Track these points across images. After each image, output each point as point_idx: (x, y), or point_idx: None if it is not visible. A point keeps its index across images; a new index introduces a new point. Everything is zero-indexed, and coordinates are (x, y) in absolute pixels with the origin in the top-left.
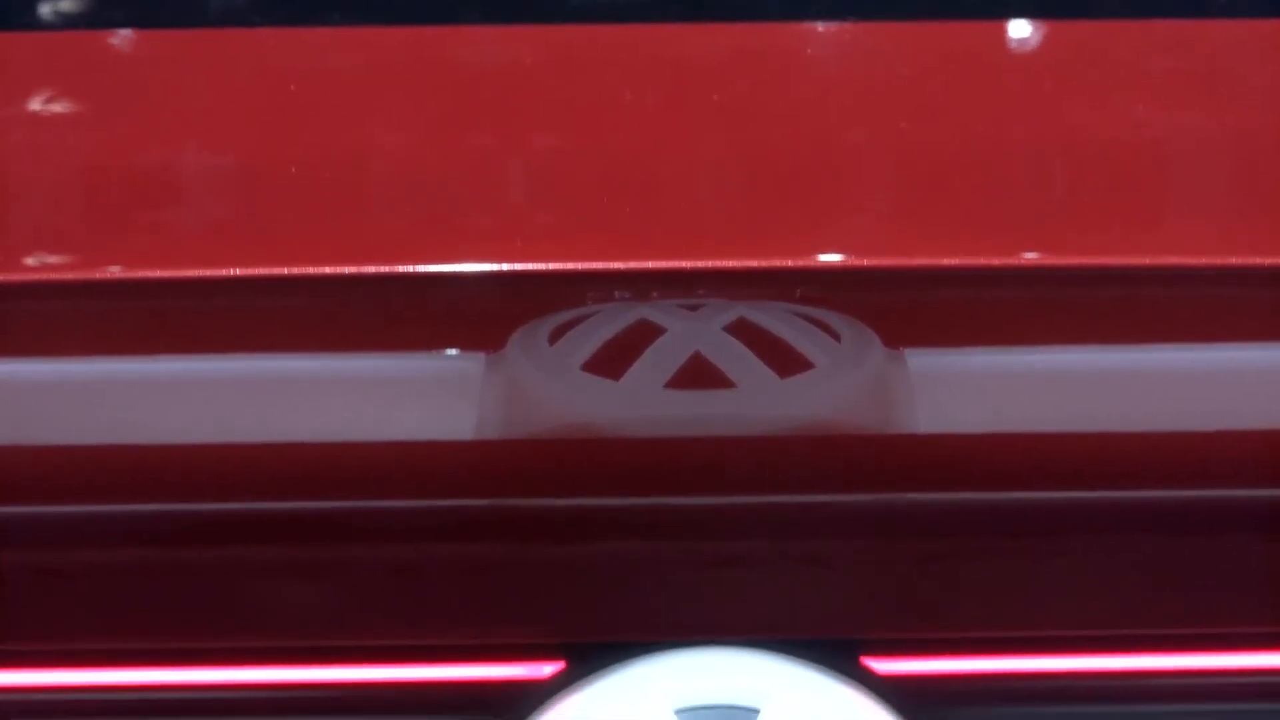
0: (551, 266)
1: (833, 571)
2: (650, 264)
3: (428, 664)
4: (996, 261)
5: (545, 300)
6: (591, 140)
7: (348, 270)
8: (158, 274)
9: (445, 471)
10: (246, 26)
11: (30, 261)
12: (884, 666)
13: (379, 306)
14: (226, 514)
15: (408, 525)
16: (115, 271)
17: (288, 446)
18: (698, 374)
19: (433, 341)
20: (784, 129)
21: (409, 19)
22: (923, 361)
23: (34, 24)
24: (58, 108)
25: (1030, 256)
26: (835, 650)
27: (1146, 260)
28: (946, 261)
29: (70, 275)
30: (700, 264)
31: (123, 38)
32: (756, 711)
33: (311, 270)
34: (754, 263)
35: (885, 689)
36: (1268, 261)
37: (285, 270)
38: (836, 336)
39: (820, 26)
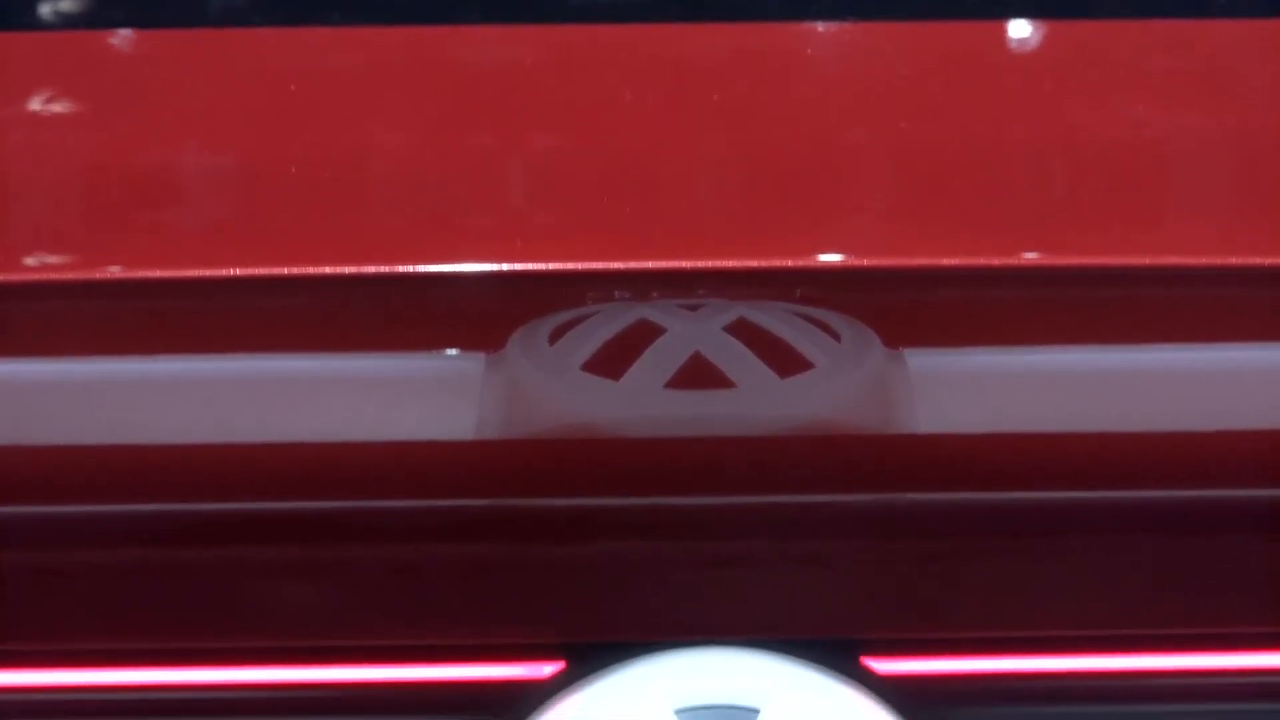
0: (551, 266)
1: (833, 572)
2: (650, 264)
3: (428, 664)
4: (996, 261)
5: (545, 300)
6: (591, 140)
7: (348, 270)
8: (157, 274)
9: (445, 471)
10: (246, 26)
11: (30, 261)
12: (884, 666)
13: (379, 306)
14: (226, 514)
15: (408, 525)
16: (115, 271)
17: (288, 446)
18: (698, 374)
19: (433, 341)
20: (784, 129)
21: (409, 19)
22: (922, 361)
23: (34, 24)
24: (58, 108)
25: (1030, 256)
26: (835, 650)
27: (1146, 260)
28: (946, 261)
29: (70, 275)
30: (700, 264)
31: (122, 38)
32: (756, 711)
33: (311, 270)
34: (754, 263)
35: (885, 689)
36: (1268, 261)
37: (285, 270)
38: (836, 336)
39: (820, 26)
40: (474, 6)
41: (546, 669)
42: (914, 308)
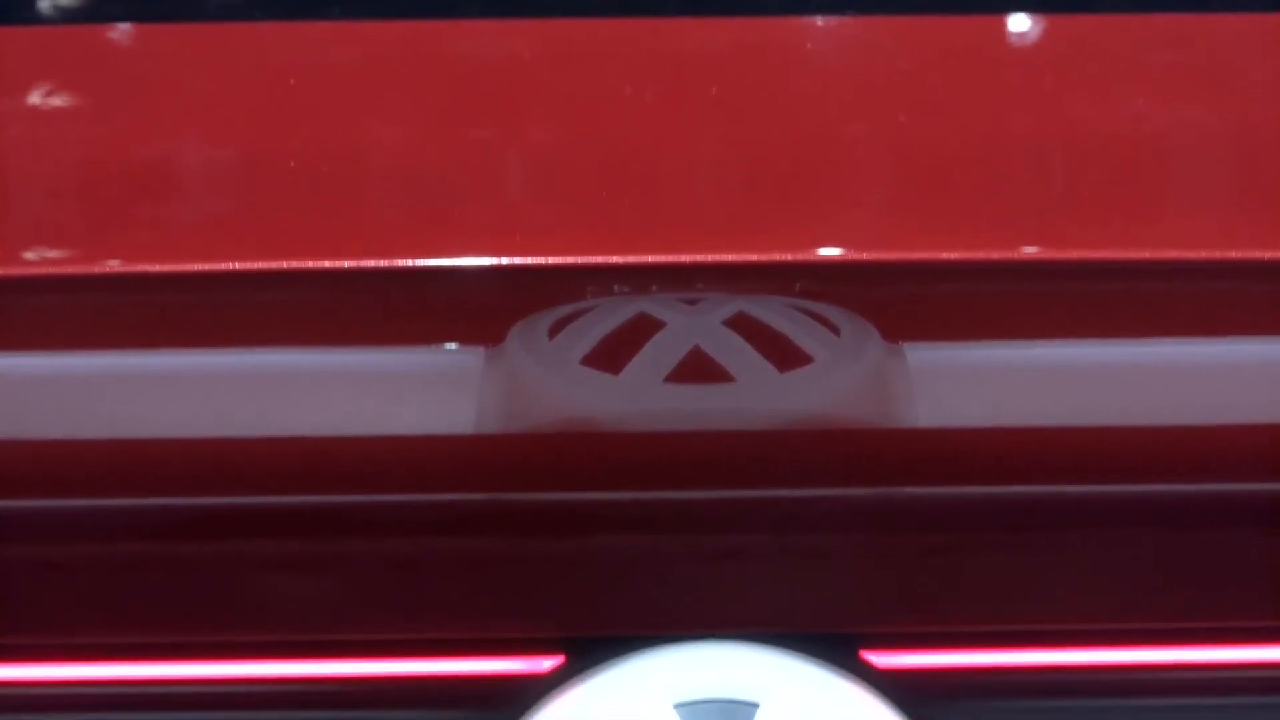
0: (551, 260)
1: (832, 566)
2: (650, 258)
3: (428, 658)
4: (996, 255)
5: (545, 294)
6: (591, 134)
7: (347, 264)
8: (157, 268)
9: (444, 466)
10: (245, 21)
11: (30, 255)
12: (883, 660)
13: (378, 300)
14: (225, 508)
15: (407, 520)
16: (114, 265)
17: (287, 441)
18: (697, 368)
19: (432, 336)
20: (783, 123)
21: (408, 13)
22: (922, 356)
23: (33, 18)
24: (57, 102)
25: (1029, 250)
26: (834, 644)
27: (1146, 254)
28: (946, 255)
29: (69, 269)
30: (699, 258)
31: (122, 32)
32: (756, 705)
33: (311, 264)
34: (753, 257)
35: (884, 683)
36: (1268, 255)
37: (284, 264)
38: (836, 331)
39: (819, 21)
40: (473, 1)
41: (546, 663)
42: (913, 302)
